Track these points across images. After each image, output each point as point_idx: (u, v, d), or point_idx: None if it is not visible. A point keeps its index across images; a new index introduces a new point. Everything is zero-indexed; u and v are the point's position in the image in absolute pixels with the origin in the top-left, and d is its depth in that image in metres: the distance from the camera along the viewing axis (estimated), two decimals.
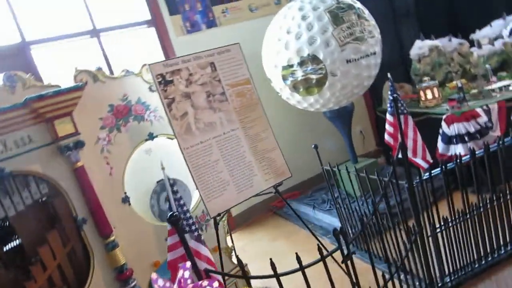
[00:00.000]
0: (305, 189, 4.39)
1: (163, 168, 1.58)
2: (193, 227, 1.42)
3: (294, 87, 3.24)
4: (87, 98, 1.99)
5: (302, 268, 1.48)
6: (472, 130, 2.95)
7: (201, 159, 2.09)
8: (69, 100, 1.83)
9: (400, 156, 1.92)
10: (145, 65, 2.20)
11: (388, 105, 2.11)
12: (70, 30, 3.40)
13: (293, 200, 4.13)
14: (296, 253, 1.49)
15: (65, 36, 3.34)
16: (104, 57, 3.52)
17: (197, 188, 2.08)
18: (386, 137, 2.23)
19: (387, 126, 2.19)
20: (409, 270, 2.11)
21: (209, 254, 1.38)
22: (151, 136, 2.23)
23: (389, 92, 1.94)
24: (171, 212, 1.17)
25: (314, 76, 3.09)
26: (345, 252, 1.59)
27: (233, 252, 2.59)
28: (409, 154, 2.01)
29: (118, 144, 2.10)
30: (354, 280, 1.65)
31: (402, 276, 2.11)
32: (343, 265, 1.57)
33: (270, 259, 1.47)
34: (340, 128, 3.66)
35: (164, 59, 3.21)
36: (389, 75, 2.09)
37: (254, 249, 3.64)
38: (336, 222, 3.19)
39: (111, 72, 3.51)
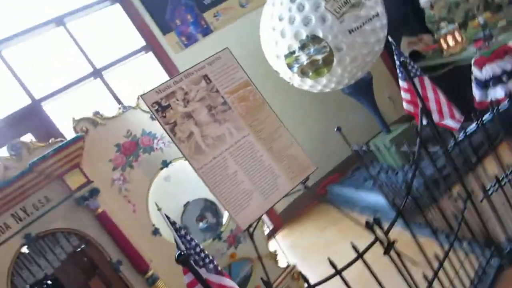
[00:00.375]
0: (345, 169, 4.21)
1: (159, 209, 1.53)
2: (207, 260, 1.34)
3: (303, 73, 3.08)
4: (92, 144, 1.97)
5: (360, 256, 1.42)
6: (508, 67, 2.66)
7: (218, 175, 2.01)
8: (72, 153, 1.82)
9: (425, 122, 1.74)
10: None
11: (398, 71, 1.92)
12: (74, 77, 3.45)
13: (334, 185, 3.97)
14: (352, 243, 1.45)
15: (70, 84, 3.40)
16: (112, 94, 3.55)
17: (222, 205, 2.01)
18: (405, 105, 2.04)
19: (402, 94, 2.00)
20: (470, 237, 1.92)
21: (233, 284, 1.29)
22: (165, 164, 2.19)
23: (395, 57, 1.76)
24: (178, 252, 1.09)
25: (319, 57, 2.92)
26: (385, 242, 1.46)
27: (279, 255, 2.50)
28: (436, 118, 1.82)
29: (134, 180, 2.07)
30: (401, 269, 1.51)
31: (462, 245, 1.93)
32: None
33: (328, 258, 1.45)
34: (363, 101, 3.46)
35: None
36: (389, 38, 1.90)
37: (304, 242, 3.53)
38: (382, 200, 3.01)
39: (124, 107, 3.54)
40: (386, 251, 1.45)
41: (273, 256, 2.43)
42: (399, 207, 1.65)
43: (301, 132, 4.10)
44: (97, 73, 3.52)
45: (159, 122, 2.00)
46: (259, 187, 2.08)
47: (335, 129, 2.59)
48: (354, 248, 1.44)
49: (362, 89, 3.35)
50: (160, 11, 3.81)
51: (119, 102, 3.53)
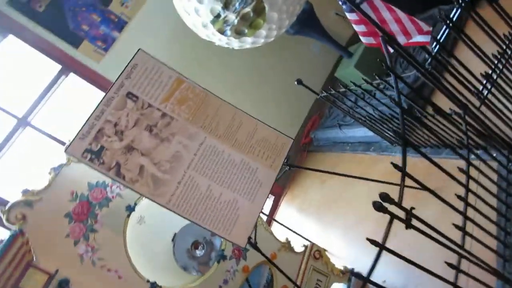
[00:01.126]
0: (322, 109, 3.95)
1: None
2: None
3: (238, 33, 2.68)
4: (37, 229, 1.66)
5: (382, 248, 1.17)
6: None
7: (192, 199, 1.73)
8: (16, 255, 1.51)
9: (391, 50, 1.43)
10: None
11: (340, 3, 1.58)
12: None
13: (316, 130, 3.72)
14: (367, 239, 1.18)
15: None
16: (51, 137, 3.14)
17: (210, 231, 1.74)
18: (363, 39, 1.71)
19: (355, 27, 1.67)
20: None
21: None
22: (130, 208, 1.89)
23: None
24: None
25: (248, 9, 2.51)
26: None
27: (292, 240, 2.29)
28: (402, 40, 1.52)
29: (104, 244, 1.78)
30: (431, 234, 1.28)
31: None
32: None
33: (367, 238, 1.16)
34: (312, 34, 3.10)
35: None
36: None
37: (311, 201, 3.35)
38: (370, 132, 2.77)
39: (54, 168, 3.14)
40: (407, 226, 1.21)
41: (287, 245, 2.22)
42: (402, 134, 1.39)
43: (260, 98, 3.78)
44: (23, 122, 3.08)
45: (100, 172, 1.67)
46: (240, 191, 1.80)
47: (296, 83, 2.28)
48: (372, 241, 1.19)
49: (307, 23, 2.98)
50: (61, 24, 3.29)
51: (63, 143, 3.13)
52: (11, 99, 3.17)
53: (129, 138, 1.72)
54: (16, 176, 3.13)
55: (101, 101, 1.72)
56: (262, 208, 1.82)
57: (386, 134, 2.47)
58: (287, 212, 3.56)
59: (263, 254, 1.93)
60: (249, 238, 1.77)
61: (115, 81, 1.75)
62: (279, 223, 2.75)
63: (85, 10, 3.45)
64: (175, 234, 2.02)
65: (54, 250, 1.68)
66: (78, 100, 3.46)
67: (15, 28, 3.18)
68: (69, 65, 3.32)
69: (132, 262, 1.83)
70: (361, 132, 2.95)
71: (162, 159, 1.74)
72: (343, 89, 2.15)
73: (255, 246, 1.82)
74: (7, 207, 1.64)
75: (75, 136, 1.65)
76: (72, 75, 3.37)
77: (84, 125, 1.67)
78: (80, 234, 1.74)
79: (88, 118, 1.68)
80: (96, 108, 1.70)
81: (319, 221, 3.01)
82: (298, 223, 3.08)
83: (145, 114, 1.76)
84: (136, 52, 1.82)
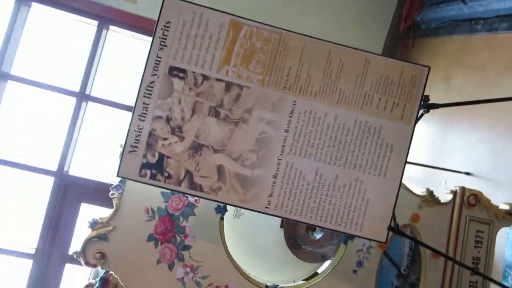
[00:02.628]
0: None
1: None
2: None
3: None
4: (123, 264, 1.35)
5: None
6: None
7: (298, 194, 1.22)
8: None
9: None
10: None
11: None
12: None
13: (422, 11, 2.78)
14: None
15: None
16: (120, 107, 2.80)
17: (331, 230, 1.27)
18: None
19: None
20: None
21: None
22: (221, 209, 1.46)
23: None
24: None
25: None
26: None
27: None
28: None
29: (203, 258, 1.42)
30: None
31: None
32: None
33: None
34: None
35: None
36: None
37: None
38: None
39: (115, 187, 2.79)
40: None
41: (429, 198, 1.65)
42: None
43: None
44: (82, 97, 2.76)
45: (169, 189, 1.24)
46: (364, 165, 1.23)
47: None
48: None
49: None
50: None
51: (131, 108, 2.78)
52: (60, 74, 2.83)
53: (192, 133, 1.21)
54: (97, 153, 2.94)
55: (139, 92, 1.19)
56: (400, 182, 1.25)
57: None
58: None
59: (409, 237, 1.42)
60: (389, 225, 1.25)
61: (147, 58, 1.18)
62: (416, 164, 2.15)
63: None
64: (282, 219, 1.59)
65: (149, 282, 1.38)
66: (129, 55, 2.99)
67: None
68: (105, 17, 2.79)
69: (241, 269, 1.47)
70: (502, 3, 2.02)
71: (244, 150, 1.22)
72: None
73: (398, 231, 1.30)
74: (80, 249, 1.34)
75: (123, 151, 1.19)
76: (112, 28, 2.85)
77: (128, 132, 1.19)
78: (172, 256, 1.40)
79: (131, 121, 1.19)
80: (135, 104, 1.19)
81: (441, 140, 2.33)
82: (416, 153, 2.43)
83: (203, 92, 1.21)
84: (162, 3, 1.20)
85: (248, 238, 1.59)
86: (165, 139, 1.20)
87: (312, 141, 1.22)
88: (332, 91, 1.22)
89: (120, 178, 1.39)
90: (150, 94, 1.19)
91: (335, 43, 1.23)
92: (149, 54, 1.19)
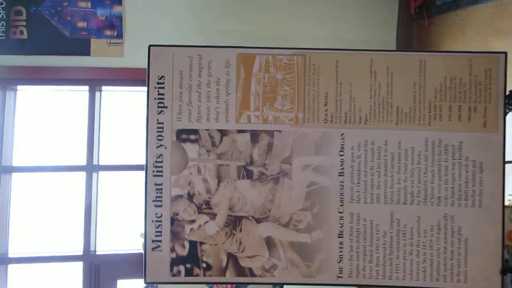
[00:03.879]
0: None
1: None
2: None
3: None
4: None
5: None
6: None
7: (375, 251, 0.93)
8: None
9: None
10: None
11: None
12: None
13: None
14: None
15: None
16: (133, 168, 2.58)
17: None
18: None
19: None
20: None
21: None
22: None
23: None
24: None
25: None
26: None
27: None
28: None
29: None
30: None
31: None
32: None
33: None
34: None
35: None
36: None
37: None
38: None
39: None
40: None
41: None
42: None
43: None
44: (91, 168, 2.55)
45: (211, 283, 0.97)
46: (449, 198, 0.94)
47: None
48: None
49: None
50: (56, 37, 2.51)
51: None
52: (64, 151, 2.63)
53: (224, 206, 0.94)
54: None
55: (146, 171, 0.94)
56: (504, 208, 0.94)
57: None
58: None
59: None
60: (502, 269, 0.94)
61: (146, 126, 0.93)
62: None
63: (67, 4, 2.59)
64: None
65: None
66: (130, 112, 2.78)
67: (15, 74, 2.50)
68: (94, 80, 2.59)
69: None
70: None
71: (294, 211, 0.94)
72: None
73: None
74: None
75: (144, 251, 0.93)
76: (105, 88, 2.65)
77: (145, 225, 0.93)
78: None
79: (145, 210, 0.94)
80: (146, 187, 0.94)
81: None
82: None
83: (225, 152, 0.94)
84: (148, 54, 0.95)
85: None
86: (193, 221, 0.94)
87: (377, 180, 0.94)
88: (387, 111, 0.95)
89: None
90: (161, 171, 0.93)
91: (374, 50, 0.96)
92: (147, 121, 0.94)
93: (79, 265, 2.52)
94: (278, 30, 2.48)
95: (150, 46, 0.96)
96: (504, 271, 0.93)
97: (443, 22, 2.58)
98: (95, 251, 2.56)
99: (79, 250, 2.54)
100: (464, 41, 2.27)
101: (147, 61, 0.95)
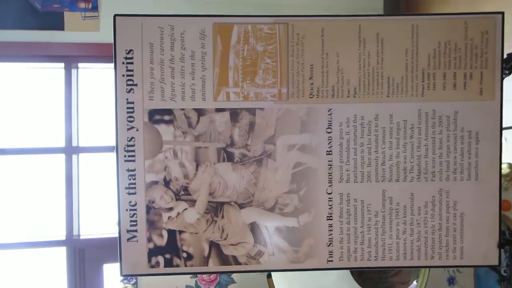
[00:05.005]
0: None
1: None
2: None
3: None
4: None
5: None
6: None
7: (367, 233, 0.88)
8: None
9: None
10: None
11: None
12: None
13: None
14: None
15: None
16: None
17: (423, 267, 0.93)
18: None
19: None
20: None
21: None
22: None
23: None
24: None
25: None
26: None
27: None
28: None
29: None
30: None
31: None
32: None
33: None
34: None
35: None
36: None
37: None
38: None
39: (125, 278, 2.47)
40: None
41: None
42: None
43: None
44: (71, 150, 2.45)
45: (195, 273, 0.91)
46: (444, 171, 0.88)
47: None
48: None
49: None
50: (28, 11, 2.35)
51: None
52: (42, 132, 2.52)
53: (203, 192, 0.87)
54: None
55: (117, 156, 0.86)
56: (500, 180, 0.89)
57: None
58: None
59: None
60: (500, 243, 0.90)
61: (115, 107, 0.84)
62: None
63: None
64: None
65: None
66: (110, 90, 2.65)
67: None
68: (69, 56, 2.46)
69: None
70: None
71: (279, 194, 0.88)
72: None
73: (511, 242, 0.95)
74: None
75: (119, 242, 0.86)
76: (81, 65, 2.52)
77: (119, 214, 0.86)
78: None
79: (118, 199, 0.86)
80: (117, 174, 0.86)
81: None
82: None
83: (203, 133, 0.86)
84: (114, 25, 0.85)
85: (306, 282, 1.26)
86: (170, 209, 0.87)
87: (368, 157, 0.87)
88: (377, 82, 0.87)
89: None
90: (133, 156, 0.85)
91: (363, 15, 0.87)
92: (116, 101, 0.85)
93: (63, 250, 2.46)
94: None
95: (115, 15, 0.85)
96: (501, 244, 0.89)
97: None
98: (79, 235, 2.50)
99: (62, 235, 2.47)
100: (453, 4, 2.18)
101: (113, 33, 0.85)
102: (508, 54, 0.88)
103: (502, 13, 0.85)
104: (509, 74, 0.95)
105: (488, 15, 0.86)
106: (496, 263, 0.90)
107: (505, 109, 0.88)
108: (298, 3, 2.41)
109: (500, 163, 0.88)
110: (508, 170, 1.31)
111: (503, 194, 1.25)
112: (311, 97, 0.86)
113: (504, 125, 0.93)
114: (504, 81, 0.90)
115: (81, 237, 2.44)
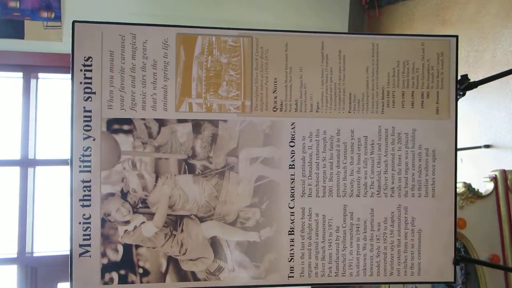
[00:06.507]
0: None
1: None
2: None
3: None
4: None
5: None
6: None
7: (329, 248, 0.88)
8: None
9: None
10: None
11: None
12: None
13: None
14: None
15: None
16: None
17: (383, 283, 0.93)
18: None
19: None
20: None
21: None
22: None
23: None
24: None
25: None
26: None
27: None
28: None
29: None
30: None
31: None
32: None
33: None
34: None
35: None
36: None
37: None
38: None
39: None
40: None
41: (468, 193, 1.34)
42: None
43: None
44: (26, 163, 2.33)
45: None
46: (403, 188, 0.90)
47: None
48: None
49: None
50: None
51: None
52: None
53: (163, 205, 0.84)
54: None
55: (71, 167, 0.81)
56: (456, 197, 0.92)
57: None
58: None
59: (476, 261, 1.10)
60: (454, 259, 0.92)
61: (71, 115, 0.81)
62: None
63: None
64: None
65: None
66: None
67: None
68: (28, 66, 2.36)
69: None
70: None
71: (241, 208, 0.86)
72: None
73: (467, 259, 0.98)
74: None
75: (70, 257, 0.81)
76: (41, 75, 2.42)
77: (71, 228, 0.81)
78: None
79: (71, 212, 0.81)
80: (71, 184, 0.81)
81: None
82: None
83: (163, 144, 0.84)
84: (73, 32, 0.82)
85: None
86: (127, 222, 0.83)
87: (329, 172, 0.88)
88: (339, 98, 0.88)
89: None
90: (89, 166, 0.81)
91: (326, 32, 0.89)
92: (72, 109, 0.81)
93: (14, 268, 2.30)
94: (224, 14, 2.38)
95: (74, 22, 0.83)
96: (456, 261, 0.91)
97: (393, 12, 2.61)
98: (32, 252, 2.35)
99: (13, 252, 2.32)
100: (412, 30, 2.29)
101: (71, 39, 0.82)
102: (462, 76, 0.92)
103: (456, 37, 0.90)
104: (463, 95, 1.00)
105: (443, 37, 0.90)
106: (452, 279, 0.91)
107: (462, 130, 0.92)
108: (264, 21, 2.45)
109: (455, 181, 0.91)
110: (463, 189, 1.36)
111: (459, 212, 1.29)
112: (274, 111, 0.87)
113: (460, 146, 0.96)
114: (463, 101, 0.94)
115: (34, 254, 2.30)
